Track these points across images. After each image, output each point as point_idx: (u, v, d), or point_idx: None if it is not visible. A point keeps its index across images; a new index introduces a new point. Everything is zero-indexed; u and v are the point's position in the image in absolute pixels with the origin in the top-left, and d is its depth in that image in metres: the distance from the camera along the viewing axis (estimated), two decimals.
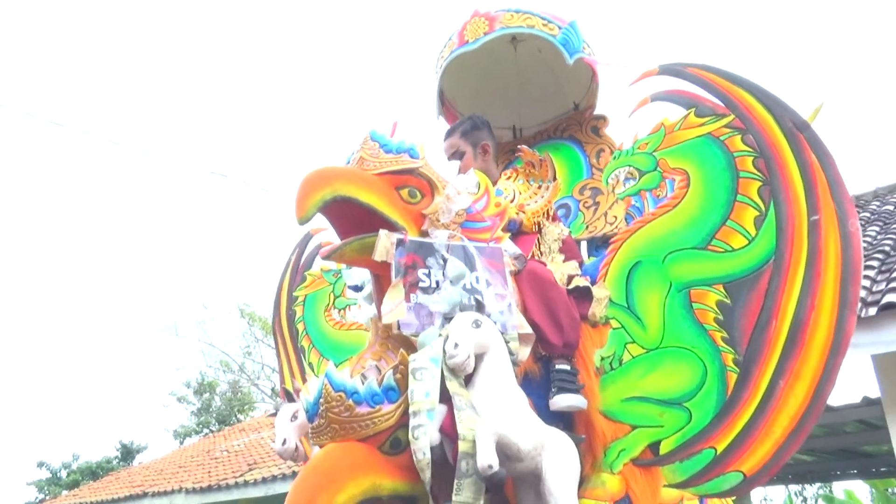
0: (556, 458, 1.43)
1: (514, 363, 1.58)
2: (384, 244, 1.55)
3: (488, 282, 1.62)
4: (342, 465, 1.36)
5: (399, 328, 1.52)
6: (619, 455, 1.75)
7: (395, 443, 1.44)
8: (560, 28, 2.36)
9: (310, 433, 1.48)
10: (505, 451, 1.35)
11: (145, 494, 10.52)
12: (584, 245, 2.45)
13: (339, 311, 2.54)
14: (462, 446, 1.33)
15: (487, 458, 1.26)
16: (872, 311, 4.10)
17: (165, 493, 10.06)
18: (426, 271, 1.58)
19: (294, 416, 1.67)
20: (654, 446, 1.74)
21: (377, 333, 1.62)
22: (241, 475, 8.94)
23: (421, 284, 1.57)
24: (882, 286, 4.45)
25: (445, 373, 1.43)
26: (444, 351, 1.43)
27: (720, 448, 1.66)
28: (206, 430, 21.29)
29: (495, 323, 1.57)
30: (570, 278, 1.90)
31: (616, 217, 2.40)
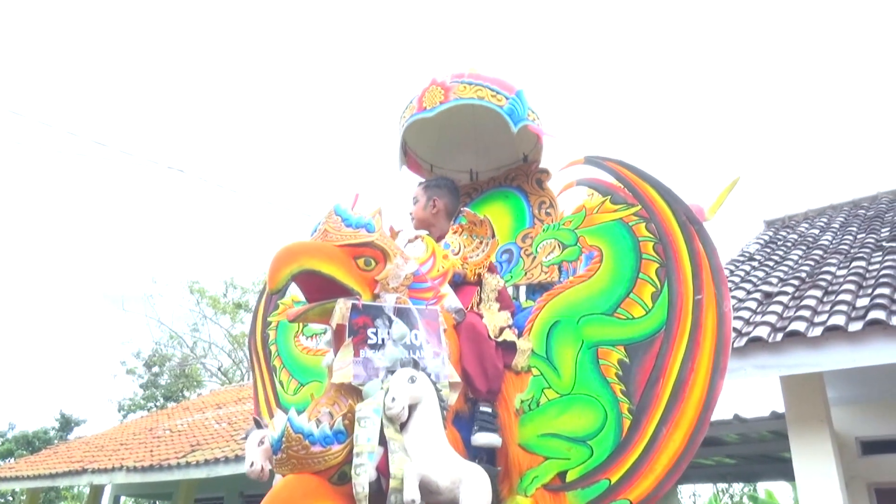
0: (470, 490, 1.78)
1: (445, 408, 1.91)
2: (341, 310, 1.88)
3: (426, 340, 1.96)
4: (297, 493, 1.70)
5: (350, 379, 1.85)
6: (532, 481, 2.08)
7: (341, 476, 1.78)
8: (507, 98, 2.65)
9: (274, 464, 1.80)
10: (427, 488, 1.70)
11: (84, 471, 10.44)
12: (522, 289, 2.77)
13: (307, 337, 2.86)
14: (392, 483, 1.68)
15: (411, 494, 1.62)
16: (779, 336, 4.57)
17: (106, 471, 10.02)
18: (374, 330, 1.92)
19: (261, 442, 1.99)
20: (561, 475, 2.06)
21: (332, 380, 1.93)
22: (184, 456, 9.02)
23: (369, 342, 1.90)
24: (791, 313, 4.93)
25: (384, 421, 1.76)
26: (384, 403, 1.76)
27: (614, 479, 1.99)
28: (151, 405, 21.25)
29: (430, 374, 1.90)
30: (501, 330, 2.24)
31: (551, 267, 2.70)
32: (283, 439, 1.74)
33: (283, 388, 2.80)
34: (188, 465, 8.60)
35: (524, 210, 2.91)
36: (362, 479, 1.68)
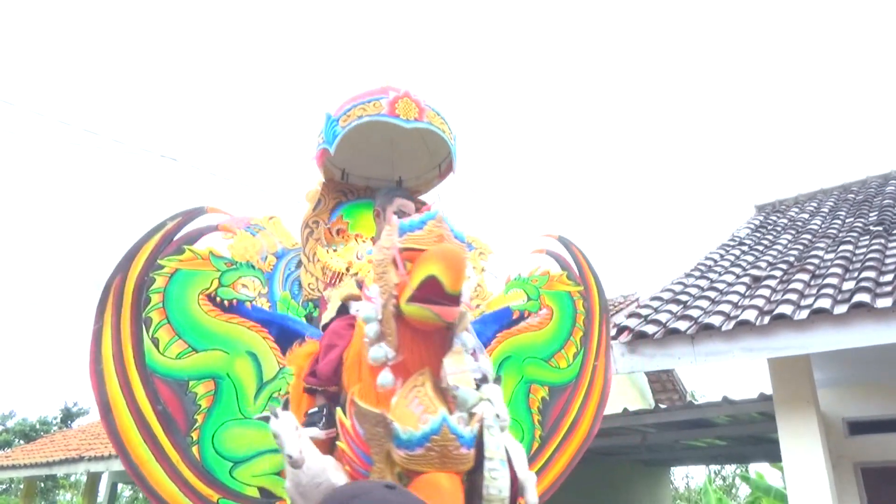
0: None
1: None
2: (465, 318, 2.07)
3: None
4: (458, 493, 1.79)
5: (446, 383, 1.94)
6: None
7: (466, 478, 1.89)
8: (453, 139, 2.88)
9: (405, 458, 1.81)
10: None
11: (81, 458, 10.43)
12: None
13: (223, 300, 2.44)
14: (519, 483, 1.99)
15: (534, 499, 2.02)
16: (766, 320, 4.53)
17: (103, 458, 10.01)
18: (463, 341, 2.04)
19: (296, 429, 1.93)
20: None
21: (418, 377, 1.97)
22: None
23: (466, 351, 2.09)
24: (779, 296, 4.89)
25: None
26: (497, 415, 1.92)
27: None
28: None
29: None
30: None
31: (480, 286, 3.10)
32: (439, 437, 1.79)
33: (156, 347, 2.31)
34: None
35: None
36: (500, 482, 1.80)
